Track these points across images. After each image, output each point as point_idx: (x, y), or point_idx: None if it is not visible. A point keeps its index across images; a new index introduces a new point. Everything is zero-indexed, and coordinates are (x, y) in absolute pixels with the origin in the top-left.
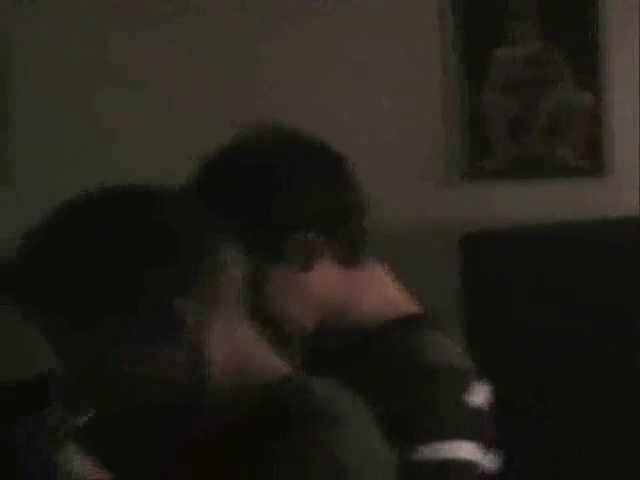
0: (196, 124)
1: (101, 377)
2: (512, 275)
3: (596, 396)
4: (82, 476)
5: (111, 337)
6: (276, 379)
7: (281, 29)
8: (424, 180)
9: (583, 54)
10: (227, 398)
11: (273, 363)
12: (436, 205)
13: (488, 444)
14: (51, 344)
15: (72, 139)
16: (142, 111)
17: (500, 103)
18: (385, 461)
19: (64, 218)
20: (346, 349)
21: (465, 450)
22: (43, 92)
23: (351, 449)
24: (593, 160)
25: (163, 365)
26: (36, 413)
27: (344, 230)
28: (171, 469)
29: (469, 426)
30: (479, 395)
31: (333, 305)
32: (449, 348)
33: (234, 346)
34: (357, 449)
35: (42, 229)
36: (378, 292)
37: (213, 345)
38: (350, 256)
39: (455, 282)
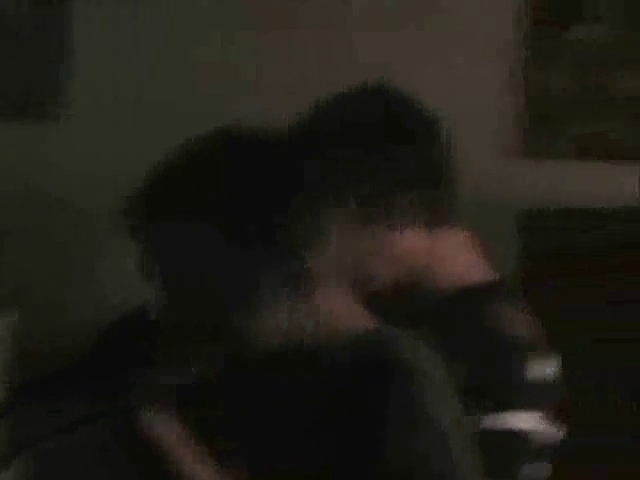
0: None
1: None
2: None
3: None
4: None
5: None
6: (367, 332)
7: None
8: (489, 156)
9: None
10: (325, 352)
11: (363, 316)
12: (499, 180)
13: (553, 415)
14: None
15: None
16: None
17: (569, 84)
18: (461, 417)
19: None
20: (421, 311)
21: (528, 421)
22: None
23: (438, 404)
24: None
25: (276, 317)
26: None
27: (436, 193)
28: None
29: (537, 398)
30: (546, 367)
31: (414, 266)
32: (520, 320)
33: (335, 301)
34: (442, 404)
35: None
36: (459, 258)
37: (318, 299)
38: (437, 220)
39: (512, 258)
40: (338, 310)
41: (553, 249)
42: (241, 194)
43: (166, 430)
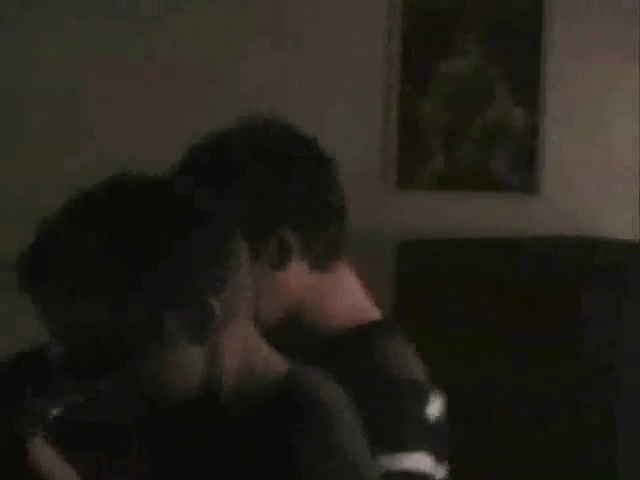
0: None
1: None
2: (443, 284)
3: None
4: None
5: (137, 328)
6: (281, 373)
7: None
8: (359, 187)
9: (521, 72)
10: (239, 396)
11: (275, 359)
12: (370, 212)
13: (443, 457)
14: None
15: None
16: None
17: (438, 114)
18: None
19: (86, 206)
20: (307, 352)
21: (424, 462)
22: None
23: (350, 438)
24: (525, 177)
25: (181, 361)
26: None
27: (323, 233)
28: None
29: (429, 439)
30: (436, 407)
31: (301, 306)
32: (411, 359)
33: (245, 344)
34: (354, 439)
35: (61, 215)
36: (346, 297)
37: (230, 343)
38: (324, 260)
39: (389, 289)
40: (250, 351)
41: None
42: (136, 239)
43: (49, 462)
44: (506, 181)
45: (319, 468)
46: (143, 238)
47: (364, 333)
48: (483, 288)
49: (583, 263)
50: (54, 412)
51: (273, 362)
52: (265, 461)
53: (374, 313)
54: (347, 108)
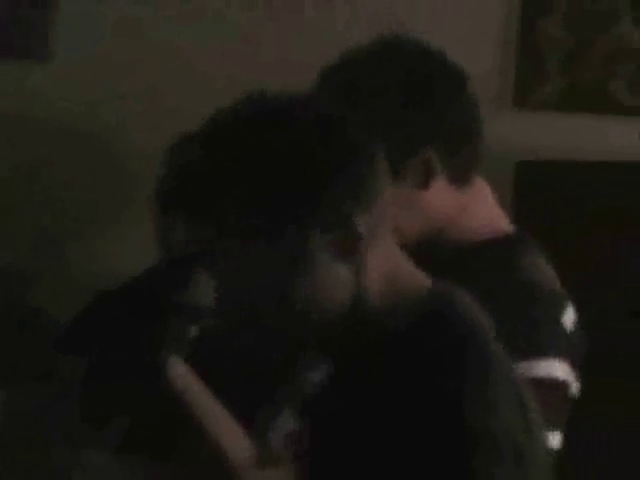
0: None
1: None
2: (562, 205)
3: None
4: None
5: (283, 246)
6: (425, 291)
7: None
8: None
9: None
10: (384, 313)
11: (419, 276)
12: (487, 132)
13: (577, 365)
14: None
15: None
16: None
17: (558, 34)
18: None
19: (226, 126)
20: (449, 264)
21: (560, 369)
22: None
23: (500, 355)
24: None
25: (327, 280)
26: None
27: (464, 149)
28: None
29: (564, 346)
30: (571, 317)
31: (442, 221)
32: (547, 270)
33: (388, 261)
34: (503, 355)
35: (205, 134)
36: (483, 210)
37: (374, 261)
38: (464, 175)
39: (507, 209)
40: (394, 268)
41: (549, 201)
42: (284, 159)
43: (186, 381)
44: (625, 103)
45: (481, 389)
46: (291, 159)
47: (503, 244)
48: (602, 213)
49: None
50: (193, 331)
51: (416, 278)
52: (413, 379)
53: (509, 226)
54: (465, 26)
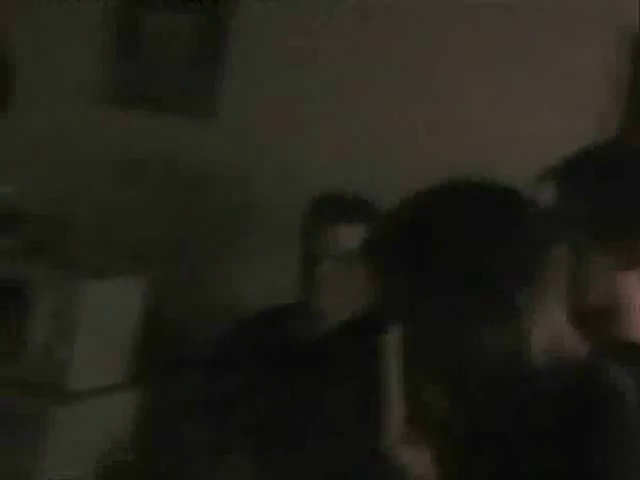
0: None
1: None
2: None
3: None
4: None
5: (451, 314)
6: (579, 359)
7: None
8: None
9: None
10: (543, 375)
11: (576, 343)
12: None
13: None
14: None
15: None
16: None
17: None
18: None
19: (435, 201)
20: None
21: None
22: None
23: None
24: None
25: (490, 344)
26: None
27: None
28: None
29: None
30: None
31: (620, 304)
32: None
33: (553, 329)
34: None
35: (415, 205)
36: None
37: (539, 328)
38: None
39: None
40: (561, 332)
41: None
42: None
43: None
44: None
45: (618, 460)
46: (505, 247)
47: None
48: None
49: None
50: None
51: (576, 346)
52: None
53: None
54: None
